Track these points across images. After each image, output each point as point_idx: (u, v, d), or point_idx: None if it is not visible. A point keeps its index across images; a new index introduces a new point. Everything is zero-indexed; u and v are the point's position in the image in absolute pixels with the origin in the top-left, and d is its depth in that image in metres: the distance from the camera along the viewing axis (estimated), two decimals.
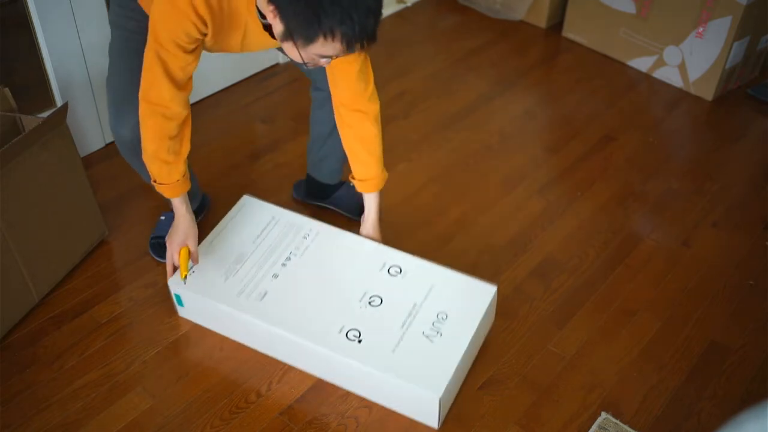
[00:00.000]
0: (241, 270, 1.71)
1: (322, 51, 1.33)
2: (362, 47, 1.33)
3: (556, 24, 3.01)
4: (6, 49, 2.04)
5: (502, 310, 1.83)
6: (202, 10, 1.42)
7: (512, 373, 1.70)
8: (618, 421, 1.59)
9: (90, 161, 2.15)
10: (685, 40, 2.60)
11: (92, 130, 2.22)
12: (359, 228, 1.82)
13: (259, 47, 1.62)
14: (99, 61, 2.12)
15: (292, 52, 1.38)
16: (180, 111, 1.54)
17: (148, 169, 1.62)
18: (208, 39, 1.51)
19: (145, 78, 1.52)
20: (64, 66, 2.08)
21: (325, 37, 1.29)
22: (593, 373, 1.70)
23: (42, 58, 2.05)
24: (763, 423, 0.97)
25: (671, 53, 2.66)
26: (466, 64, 2.78)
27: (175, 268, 1.71)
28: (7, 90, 1.78)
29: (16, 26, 2.02)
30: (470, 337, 1.58)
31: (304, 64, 1.40)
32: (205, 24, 1.45)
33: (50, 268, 1.81)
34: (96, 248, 1.93)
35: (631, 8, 2.70)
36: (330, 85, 1.69)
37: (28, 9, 1.96)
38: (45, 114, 1.82)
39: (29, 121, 1.77)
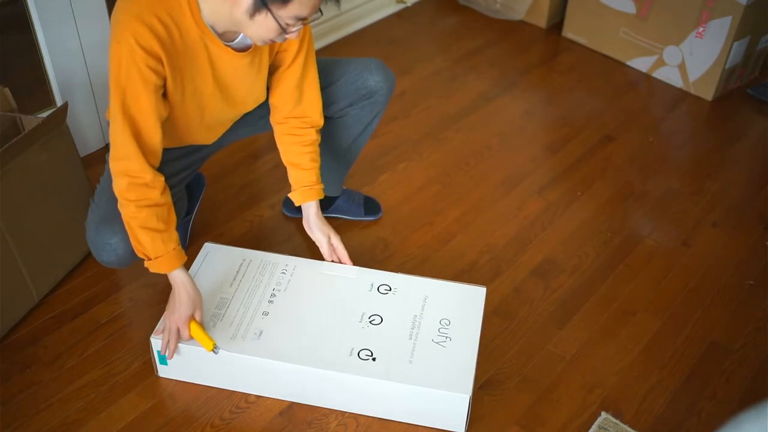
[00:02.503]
0: (226, 314, 1.61)
1: (299, 10, 1.33)
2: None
3: (556, 24, 3.01)
4: (6, 49, 2.04)
5: (502, 310, 1.83)
6: (147, 42, 1.35)
7: (512, 373, 1.70)
8: (618, 421, 1.59)
9: (90, 161, 2.15)
10: (685, 40, 2.60)
11: (92, 130, 2.22)
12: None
13: (239, 86, 1.55)
14: (99, 61, 2.12)
15: (265, 24, 1.35)
16: (155, 178, 1.46)
17: (137, 248, 1.49)
18: (169, 84, 1.43)
19: (113, 146, 1.45)
20: (64, 66, 2.08)
21: None
22: (593, 373, 1.71)
23: (42, 58, 2.05)
24: (763, 423, 0.97)
25: (671, 53, 2.66)
26: (466, 64, 2.78)
27: (177, 344, 1.56)
28: (7, 90, 1.78)
29: (16, 26, 2.01)
30: (479, 336, 1.59)
31: (279, 34, 1.38)
32: (159, 60, 1.38)
33: (50, 268, 1.81)
34: None
35: (631, 8, 2.70)
36: (270, 103, 1.68)
37: (28, 9, 1.96)
38: (45, 114, 1.82)
39: (29, 121, 1.77)
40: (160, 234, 1.48)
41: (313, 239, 1.76)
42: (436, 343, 1.58)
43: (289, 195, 1.75)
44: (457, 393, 1.49)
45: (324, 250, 1.74)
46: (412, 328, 1.61)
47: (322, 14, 1.40)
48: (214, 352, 1.54)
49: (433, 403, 1.52)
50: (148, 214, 1.46)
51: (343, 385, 1.55)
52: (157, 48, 1.37)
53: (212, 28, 1.43)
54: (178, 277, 1.53)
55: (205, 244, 1.78)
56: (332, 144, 1.85)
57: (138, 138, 1.43)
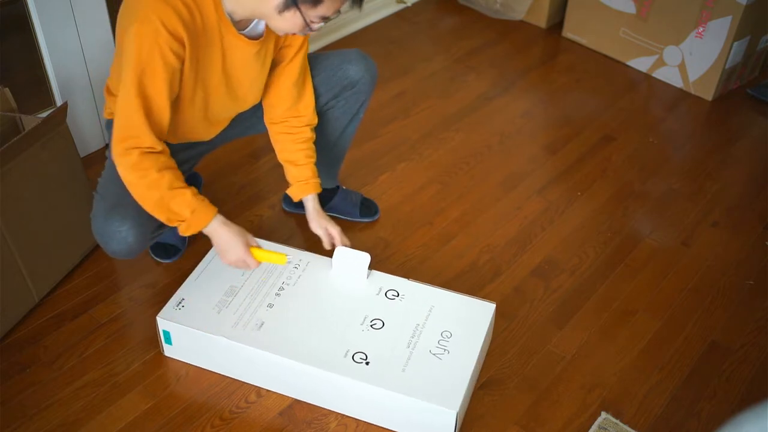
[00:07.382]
0: (233, 302, 1.64)
1: (326, 11, 1.40)
2: (361, 3, 1.45)
3: (556, 24, 3.01)
4: (6, 49, 2.04)
5: (502, 310, 1.83)
6: (173, 25, 1.37)
7: (512, 373, 1.70)
8: (618, 421, 1.60)
9: (90, 161, 2.15)
10: (685, 40, 2.60)
11: (92, 130, 2.22)
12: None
13: (243, 79, 1.57)
14: (99, 61, 2.12)
15: (292, 20, 1.41)
16: (164, 149, 1.48)
17: (170, 217, 1.49)
18: (186, 67, 1.45)
19: (122, 125, 1.44)
20: (64, 66, 2.08)
21: None
22: (593, 373, 1.71)
23: (42, 58, 2.05)
24: (763, 423, 0.98)
25: (671, 53, 2.66)
26: (466, 64, 2.78)
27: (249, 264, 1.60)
28: (7, 90, 1.78)
29: (16, 26, 2.02)
30: (478, 353, 1.58)
31: (302, 29, 1.44)
32: (182, 44, 1.41)
33: (50, 268, 1.81)
34: (96, 248, 1.93)
35: (631, 8, 2.70)
36: (266, 102, 1.72)
37: (28, 9, 1.96)
38: (45, 114, 1.82)
39: (29, 121, 1.77)
40: (189, 189, 1.49)
41: (314, 232, 1.79)
42: (433, 354, 1.56)
43: (287, 191, 1.79)
44: (444, 408, 1.47)
45: (324, 241, 1.77)
46: (412, 337, 1.60)
47: (340, 13, 1.46)
48: (289, 262, 1.67)
49: (421, 415, 1.50)
50: (170, 175, 1.47)
51: (334, 386, 1.55)
52: (181, 31, 1.39)
53: (230, 15, 1.46)
54: (216, 220, 1.54)
55: None
56: (322, 137, 1.86)
57: (149, 117, 1.44)
